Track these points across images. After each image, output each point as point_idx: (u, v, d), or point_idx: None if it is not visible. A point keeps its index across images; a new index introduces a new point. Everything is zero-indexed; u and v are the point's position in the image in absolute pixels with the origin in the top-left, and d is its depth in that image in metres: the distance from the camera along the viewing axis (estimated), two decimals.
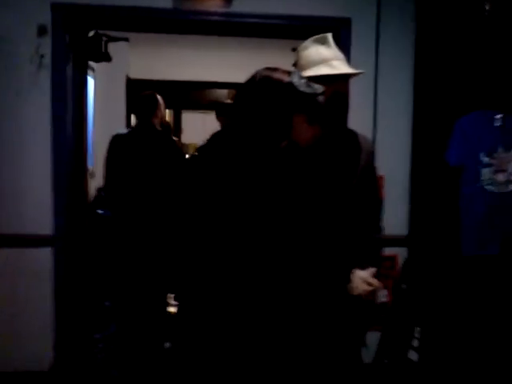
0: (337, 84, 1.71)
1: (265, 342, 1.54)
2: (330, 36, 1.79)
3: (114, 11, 2.82)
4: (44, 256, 2.88)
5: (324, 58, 1.73)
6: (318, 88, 1.54)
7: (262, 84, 1.50)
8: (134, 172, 3.34)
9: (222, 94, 6.49)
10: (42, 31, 2.71)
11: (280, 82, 1.49)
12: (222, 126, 3.47)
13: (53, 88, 2.80)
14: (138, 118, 3.60)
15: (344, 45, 2.79)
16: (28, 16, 2.76)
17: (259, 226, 1.48)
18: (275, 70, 1.54)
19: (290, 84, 1.49)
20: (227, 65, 5.34)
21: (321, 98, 1.54)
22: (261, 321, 1.52)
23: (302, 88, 1.50)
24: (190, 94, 6.73)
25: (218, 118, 3.51)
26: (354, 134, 1.84)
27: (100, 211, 4.21)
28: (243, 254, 1.48)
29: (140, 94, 3.54)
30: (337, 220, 1.70)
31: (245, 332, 1.51)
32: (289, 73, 1.53)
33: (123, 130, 3.60)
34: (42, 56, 2.74)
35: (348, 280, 1.66)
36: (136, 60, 5.27)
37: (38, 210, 2.85)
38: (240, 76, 1.77)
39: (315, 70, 1.70)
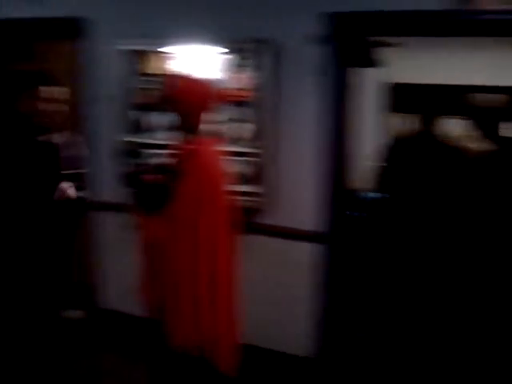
0: None
1: None
2: None
3: (383, 17, 2.82)
4: (309, 250, 3.08)
5: None
6: None
7: None
8: (422, 179, 3.31)
9: (492, 98, 5.96)
10: (316, 39, 2.87)
11: None
12: None
13: (326, 93, 2.95)
14: (420, 124, 3.60)
15: None
16: (302, 24, 2.94)
17: None
18: None
19: None
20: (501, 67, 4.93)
21: None
22: None
23: None
24: (452, 99, 6.38)
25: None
26: None
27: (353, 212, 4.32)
28: None
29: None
30: None
31: None
32: None
33: (403, 135, 3.65)
34: (315, 63, 2.92)
35: None
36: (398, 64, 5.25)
37: (308, 206, 3.06)
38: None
39: None
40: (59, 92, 2.51)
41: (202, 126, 2.35)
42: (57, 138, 2.60)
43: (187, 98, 2.26)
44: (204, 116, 2.35)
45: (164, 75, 2.42)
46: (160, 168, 2.41)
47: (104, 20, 3.49)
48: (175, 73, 2.54)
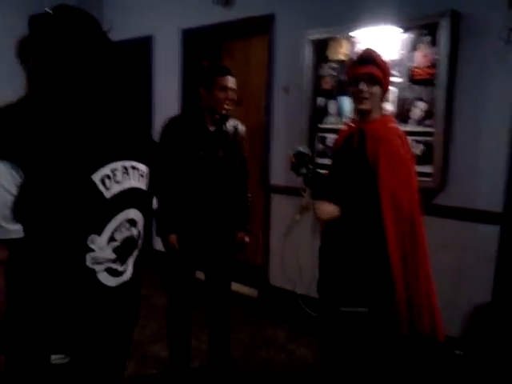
0: None
1: None
2: None
3: None
4: (490, 233, 2.88)
5: None
6: None
7: None
8: None
9: None
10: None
11: None
12: None
13: None
14: None
15: None
16: None
17: None
18: None
19: None
20: None
21: None
22: None
23: None
24: None
25: None
26: None
27: None
28: None
29: None
30: None
31: None
32: None
33: None
34: (511, 30, 2.67)
35: None
36: None
37: (490, 186, 2.87)
38: None
39: None
40: (233, 82, 2.70)
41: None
42: (229, 126, 2.77)
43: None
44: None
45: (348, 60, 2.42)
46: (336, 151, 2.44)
47: (288, 14, 3.68)
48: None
